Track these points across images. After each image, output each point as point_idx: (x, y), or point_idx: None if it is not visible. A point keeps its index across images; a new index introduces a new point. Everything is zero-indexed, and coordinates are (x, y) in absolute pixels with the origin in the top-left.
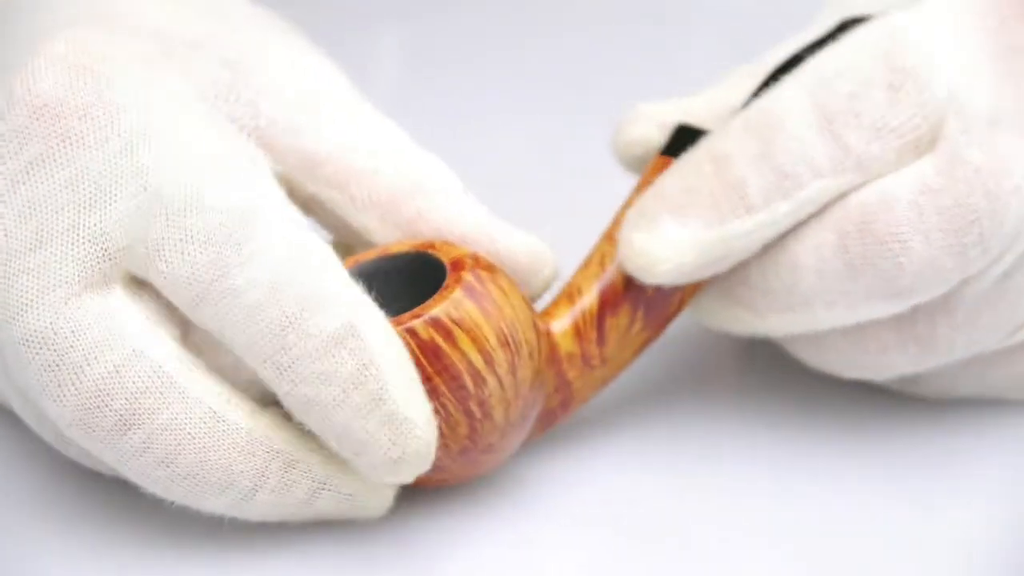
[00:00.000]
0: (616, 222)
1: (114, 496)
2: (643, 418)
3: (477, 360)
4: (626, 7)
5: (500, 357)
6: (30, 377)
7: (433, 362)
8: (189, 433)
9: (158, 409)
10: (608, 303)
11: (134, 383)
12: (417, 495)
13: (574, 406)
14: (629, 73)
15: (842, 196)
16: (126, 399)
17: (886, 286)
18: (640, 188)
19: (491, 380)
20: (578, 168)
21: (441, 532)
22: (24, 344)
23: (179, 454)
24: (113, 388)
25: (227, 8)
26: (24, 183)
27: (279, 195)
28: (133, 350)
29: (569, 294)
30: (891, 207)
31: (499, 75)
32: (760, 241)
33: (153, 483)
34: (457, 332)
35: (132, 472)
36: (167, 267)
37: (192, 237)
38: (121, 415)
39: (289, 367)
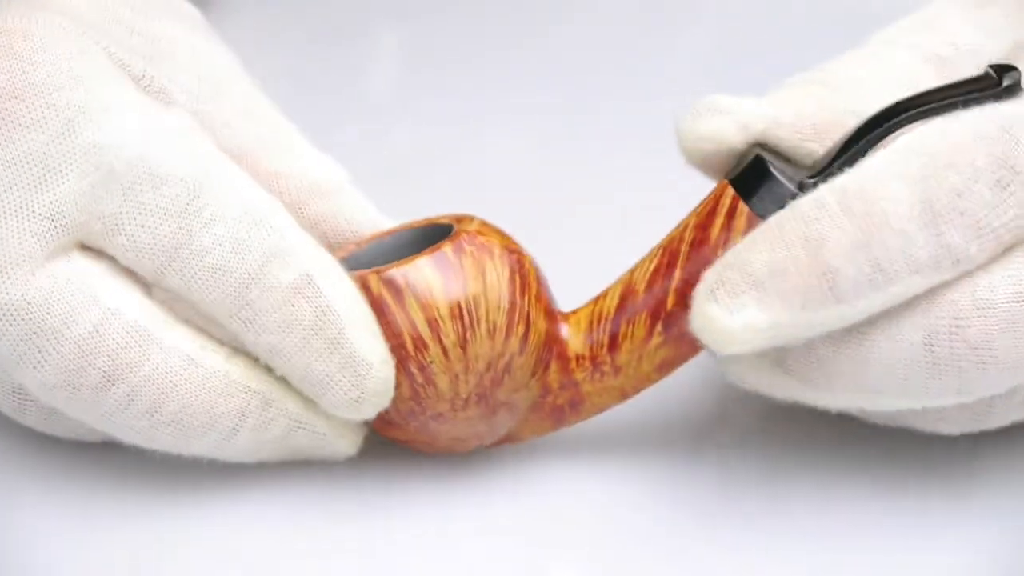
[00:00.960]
0: (671, 242)
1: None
2: (642, 423)
3: (422, 325)
4: (626, 6)
5: (448, 328)
6: (4, 349)
7: (379, 316)
8: (171, 381)
9: (139, 362)
10: (624, 311)
11: (114, 339)
12: (417, 495)
13: (585, 410)
14: (630, 72)
15: (931, 291)
16: (108, 356)
17: (965, 386)
18: (700, 215)
19: (433, 347)
20: (579, 168)
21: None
22: None
23: (163, 402)
24: (95, 347)
25: None
26: None
27: (224, 157)
28: (109, 308)
29: (598, 297)
30: (986, 314)
31: (499, 75)
32: (840, 327)
33: (137, 434)
34: (408, 294)
35: (116, 426)
36: (128, 240)
37: (151, 210)
38: (105, 372)
39: (253, 320)
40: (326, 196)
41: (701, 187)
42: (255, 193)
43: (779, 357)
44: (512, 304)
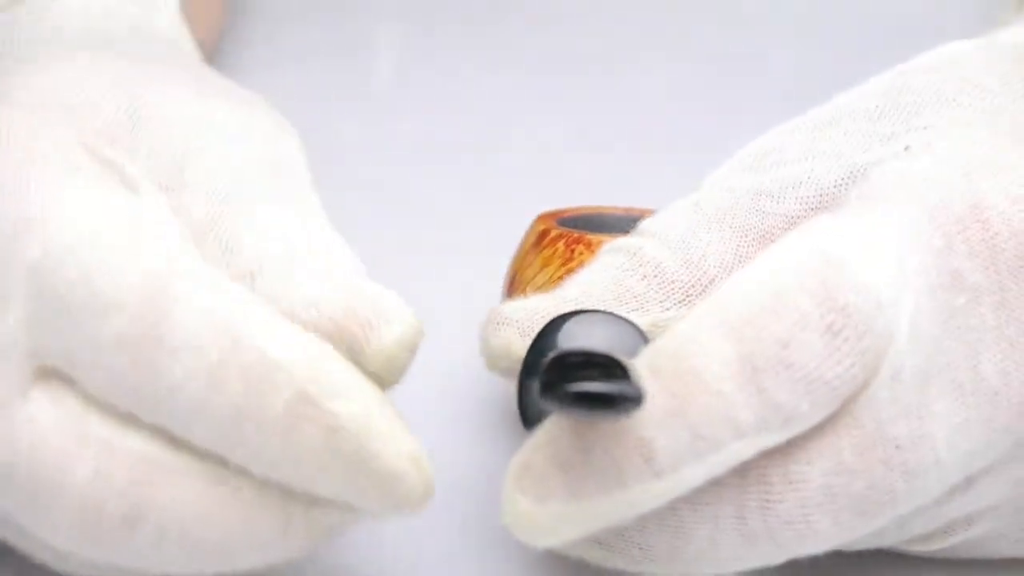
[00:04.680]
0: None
1: None
2: None
3: None
4: (626, 6)
5: None
6: (10, 513)
7: None
8: (198, 508)
9: (155, 495)
10: None
11: (121, 477)
12: None
13: None
14: (630, 72)
15: (743, 462)
16: (120, 497)
17: (785, 555)
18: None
19: None
20: (579, 167)
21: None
22: None
23: (196, 532)
24: (102, 492)
25: (136, 49)
26: None
27: (187, 254)
28: (104, 442)
29: None
30: (799, 489)
31: (499, 74)
32: (667, 500)
33: (182, 568)
34: None
35: (158, 566)
36: (86, 378)
37: (102, 344)
38: (123, 516)
39: (256, 456)
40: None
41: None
42: (225, 301)
43: (593, 534)
44: None
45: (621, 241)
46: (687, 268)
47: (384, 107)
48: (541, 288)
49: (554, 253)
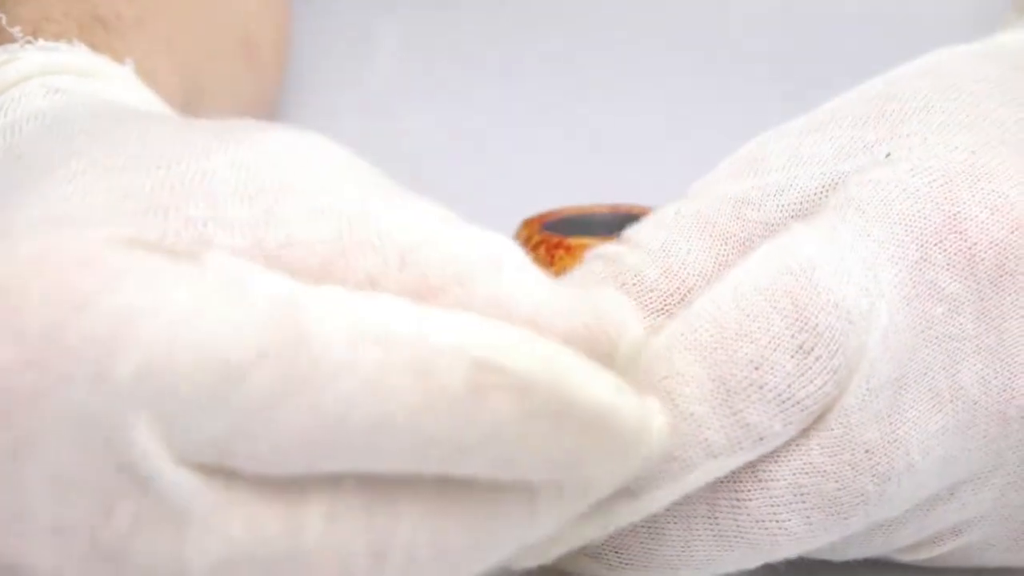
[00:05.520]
0: None
1: None
2: None
3: None
4: (622, 7)
5: None
6: None
7: None
8: (436, 521)
9: (396, 523)
10: None
11: (355, 512)
12: None
13: None
14: (630, 71)
15: None
16: (362, 532)
17: (759, 557)
18: None
19: None
20: (579, 166)
21: None
22: None
23: (440, 543)
24: (343, 534)
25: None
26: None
27: (292, 283)
28: (323, 491)
29: None
30: (768, 488)
31: (499, 73)
32: (643, 516)
33: None
34: None
35: None
36: (249, 456)
37: (252, 409)
38: (370, 551)
39: (451, 452)
40: (463, 284)
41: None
42: (356, 307)
43: None
44: None
45: (603, 249)
46: (666, 277)
47: (379, 107)
48: None
49: (536, 259)
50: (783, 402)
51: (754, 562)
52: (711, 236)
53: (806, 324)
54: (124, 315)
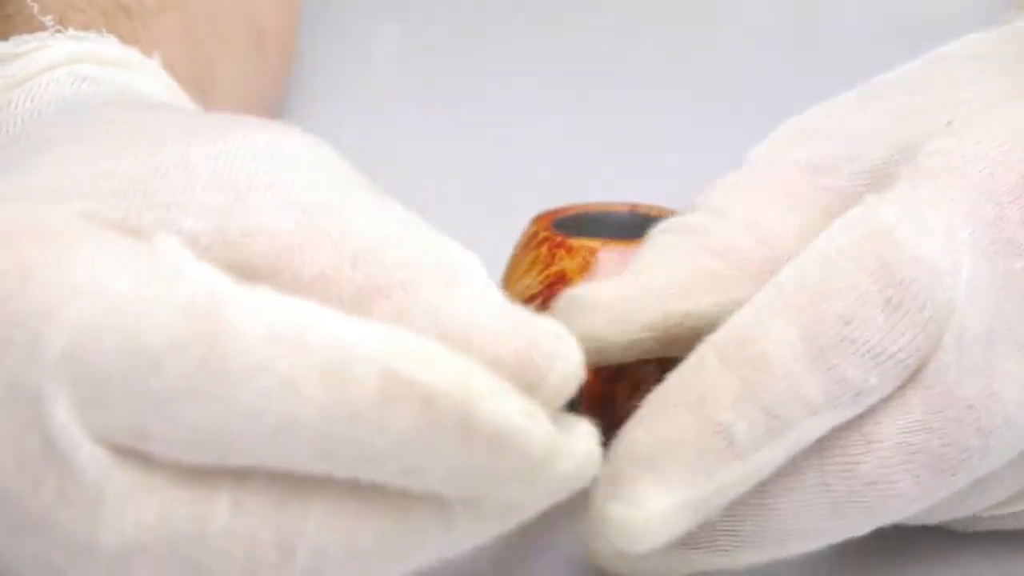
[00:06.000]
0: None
1: None
2: None
3: None
4: (627, 5)
5: None
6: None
7: None
8: (345, 518)
9: (304, 513)
10: None
11: (261, 502)
12: None
13: None
14: (630, 71)
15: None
16: (264, 522)
17: (873, 520)
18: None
19: None
20: (580, 165)
21: None
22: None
23: (348, 540)
24: (247, 523)
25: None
26: None
27: (224, 280)
28: (232, 481)
29: None
30: (877, 449)
31: (499, 72)
32: (753, 484)
33: None
34: None
35: None
36: (163, 441)
37: (167, 397)
38: (275, 540)
39: (359, 457)
40: (407, 290)
41: (700, 183)
42: (281, 309)
43: (684, 537)
44: None
45: (677, 220)
46: (760, 245)
47: (382, 107)
48: (526, 291)
49: (537, 257)
50: (876, 356)
51: (863, 528)
52: (794, 203)
53: (892, 279)
54: (63, 291)
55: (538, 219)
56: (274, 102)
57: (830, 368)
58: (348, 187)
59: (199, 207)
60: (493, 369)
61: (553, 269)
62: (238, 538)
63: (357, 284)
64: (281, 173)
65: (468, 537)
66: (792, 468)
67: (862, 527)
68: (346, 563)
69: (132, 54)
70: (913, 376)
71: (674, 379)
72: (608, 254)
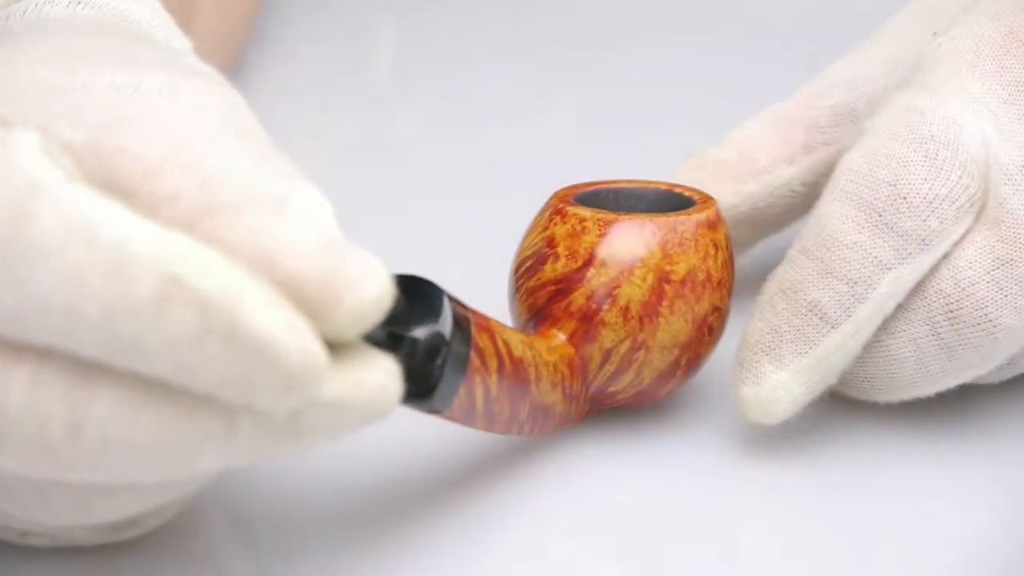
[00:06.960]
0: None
1: None
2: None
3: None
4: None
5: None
6: None
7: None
8: (136, 408)
9: (95, 395)
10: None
11: (59, 382)
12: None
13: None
14: (631, 70)
15: (921, 283)
16: (59, 401)
17: (986, 358)
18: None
19: None
20: (583, 160)
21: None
22: None
23: (138, 430)
24: (42, 398)
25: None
26: None
27: (56, 174)
28: (34, 357)
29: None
30: (970, 292)
31: (499, 71)
32: (857, 346)
33: (122, 472)
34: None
35: (102, 473)
36: None
37: None
38: (66, 421)
39: (135, 352)
40: (238, 210)
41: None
42: (87, 205)
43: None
44: None
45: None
46: (739, 157)
47: (385, 98)
48: (524, 251)
49: (539, 222)
50: (929, 202)
51: (984, 367)
52: (781, 122)
53: (923, 137)
54: None
55: (559, 193)
56: (237, 39)
57: (891, 227)
58: (228, 131)
59: (83, 122)
60: (293, 287)
61: (546, 233)
62: (32, 411)
63: (197, 203)
64: (167, 109)
65: (255, 448)
66: (904, 323)
67: (982, 366)
68: (129, 451)
69: None
70: (979, 218)
71: (773, 279)
72: (621, 224)
